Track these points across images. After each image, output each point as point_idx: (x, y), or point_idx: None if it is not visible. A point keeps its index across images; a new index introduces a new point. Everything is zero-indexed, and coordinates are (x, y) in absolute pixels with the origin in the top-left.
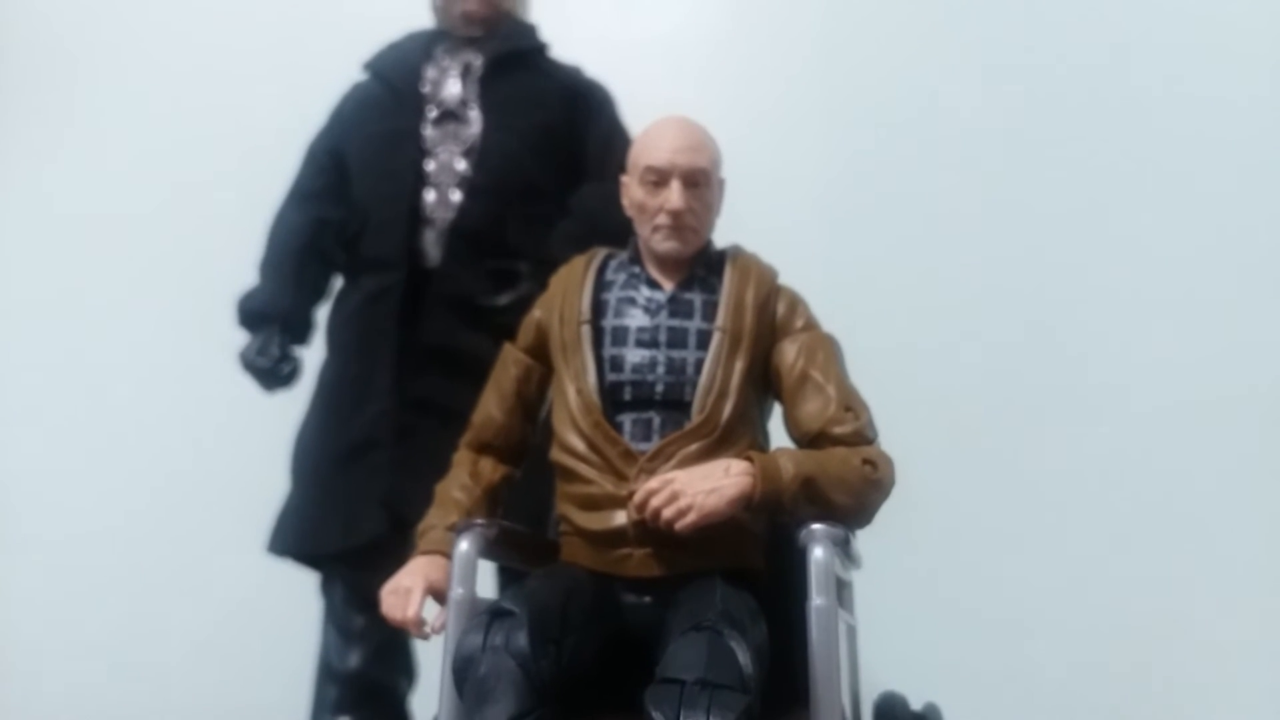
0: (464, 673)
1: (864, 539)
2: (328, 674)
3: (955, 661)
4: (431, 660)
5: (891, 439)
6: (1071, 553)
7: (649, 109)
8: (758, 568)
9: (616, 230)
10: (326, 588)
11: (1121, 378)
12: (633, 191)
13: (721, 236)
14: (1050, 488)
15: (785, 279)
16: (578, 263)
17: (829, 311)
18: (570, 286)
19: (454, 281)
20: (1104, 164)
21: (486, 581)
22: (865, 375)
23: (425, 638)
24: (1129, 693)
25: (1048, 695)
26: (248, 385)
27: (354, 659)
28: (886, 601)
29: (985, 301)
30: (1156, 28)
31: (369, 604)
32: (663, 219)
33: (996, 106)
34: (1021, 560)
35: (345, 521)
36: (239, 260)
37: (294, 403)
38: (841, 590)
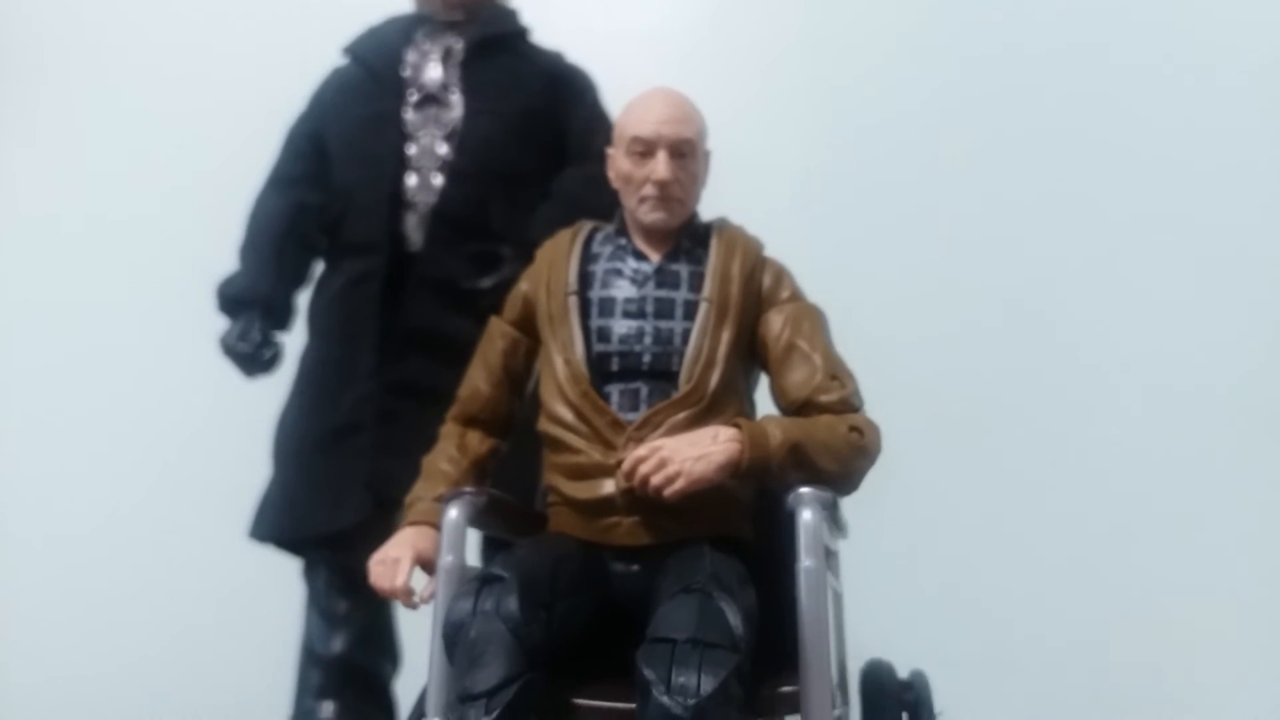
0: (454, 637)
1: (852, 513)
2: (311, 659)
3: (941, 632)
4: (415, 644)
5: (883, 415)
6: (1057, 528)
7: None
8: (746, 536)
9: (597, 213)
10: (309, 573)
11: (1109, 360)
12: (619, 163)
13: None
14: (1036, 466)
15: None
16: (564, 235)
17: (811, 298)
18: (557, 258)
19: (436, 265)
20: (1090, 151)
21: (471, 555)
22: (851, 359)
23: (414, 607)
24: (1114, 661)
25: (1033, 668)
26: (229, 371)
27: (338, 643)
28: (873, 573)
29: (970, 287)
30: (1142, 16)
31: (353, 588)
32: (649, 189)
33: (980, 97)
34: (1007, 535)
35: (329, 505)
36: (221, 249)
37: (275, 388)
38: (829, 558)
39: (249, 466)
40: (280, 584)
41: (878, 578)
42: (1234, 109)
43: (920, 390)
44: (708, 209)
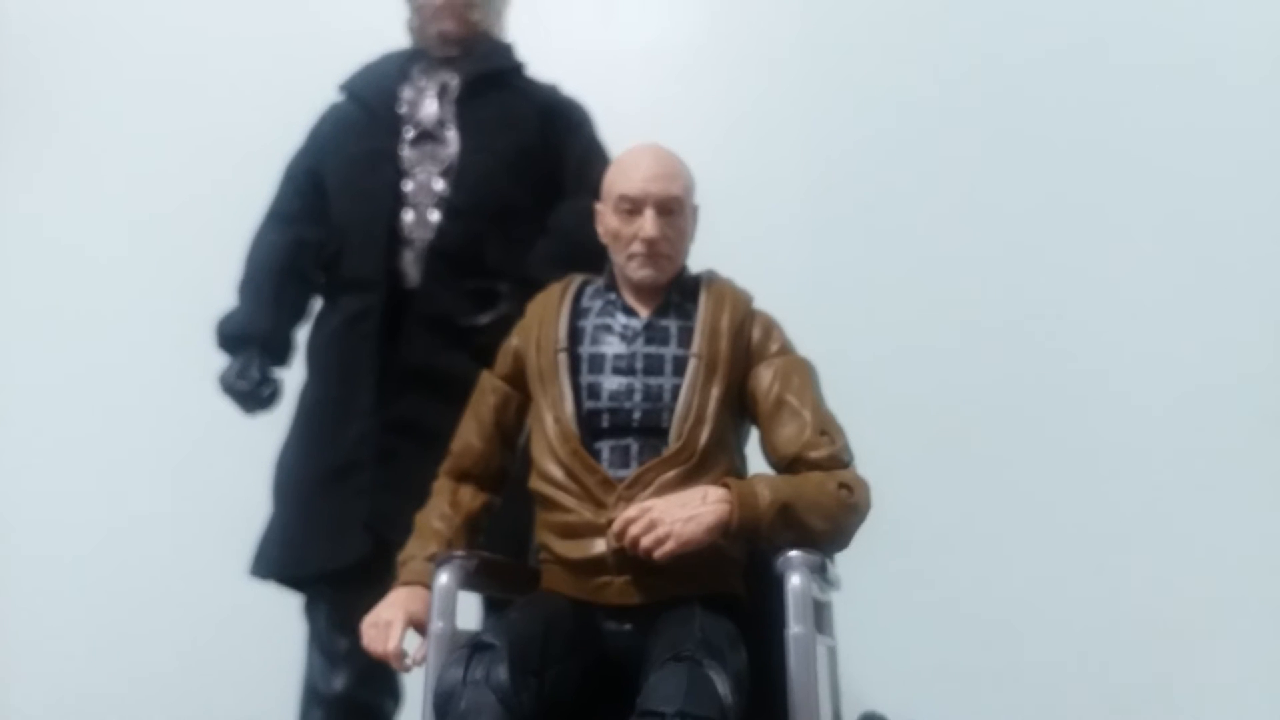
0: (445, 707)
1: (849, 552)
2: (313, 697)
3: (942, 676)
4: (417, 682)
5: (878, 446)
6: (1059, 567)
7: (629, 120)
8: (738, 593)
9: (596, 248)
10: (310, 610)
11: (1107, 384)
12: (607, 220)
13: (702, 246)
14: (1038, 501)
15: (765, 287)
16: (554, 290)
17: (811, 319)
18: (546, 314)
19: (433, 302)
20: (1086, 165)
21: (471, 610)
22: (850, 381)
23: (406, 670)
24: (1117, 708)
25: (1034, 712)
26: (228, 408)
27: (339, 681)
28: (871, 616)
29: (969, 305)
30: (1140, 24)
31: (353, 626)
32: (637, 247)
33: (976, 111)
34: (1009, 574)
35: (328, 543)
36: (220, 283)
37: (275, 425)
38: (821, 611)
39: (249, 503)
40: (283, 620)
41: (875, 621)
42: (1233, 112)
43: (923, 413)
44: (708, 227)
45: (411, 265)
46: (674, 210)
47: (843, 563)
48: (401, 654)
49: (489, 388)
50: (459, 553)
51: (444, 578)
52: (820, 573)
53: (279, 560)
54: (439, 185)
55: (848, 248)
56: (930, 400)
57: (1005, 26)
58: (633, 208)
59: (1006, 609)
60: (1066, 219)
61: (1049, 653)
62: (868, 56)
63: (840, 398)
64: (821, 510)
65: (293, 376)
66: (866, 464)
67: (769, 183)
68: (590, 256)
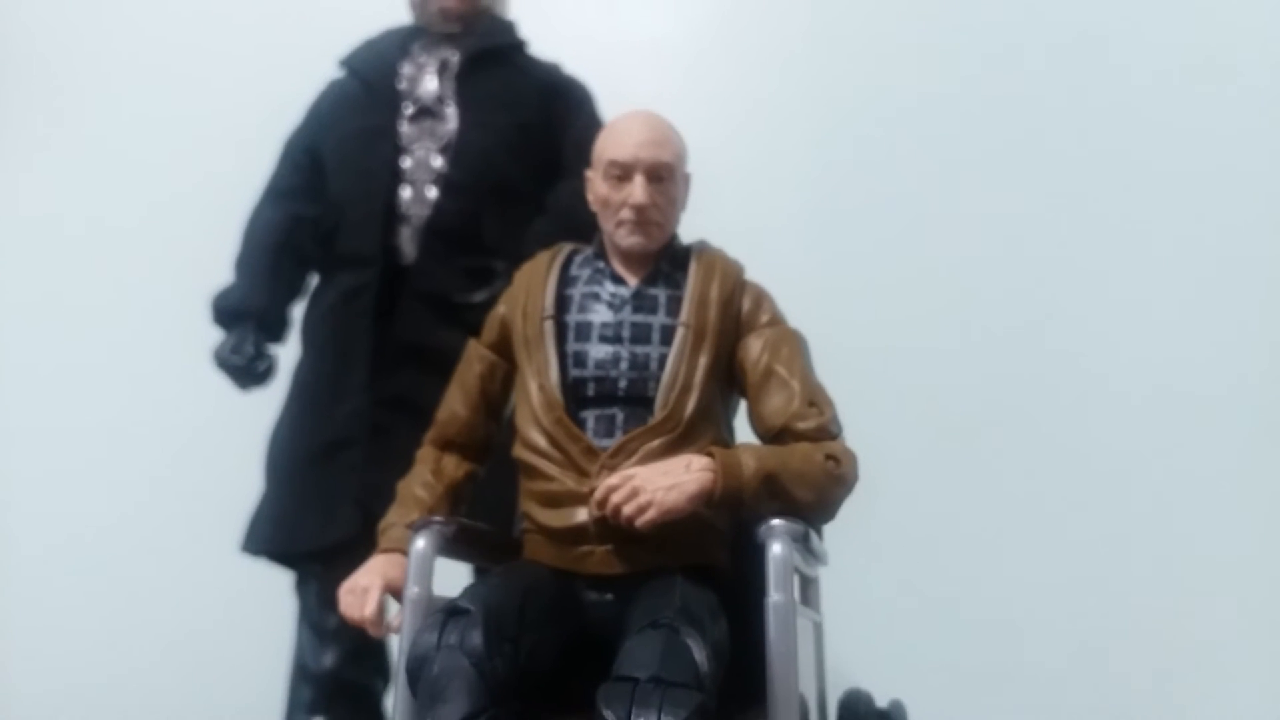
0: (418, 672)
1: (839, 535)
2: (302, 674)
3: (928, 658)
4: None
5: (875, 434)
6: (1049, 550)
7: (632, 108)
8: (721, 564)
9: (592, 229)
10: (301, 587)
11: (1108, 374)
12: (596, 186)
13: (704, 235)
14: (1029, 485)
15: (769, 278)
16: (542, 258)
17: (814, 309)
18: (534, 282)
19: (430, 279)
20: (1092, 160)
21: (458, 579)
22: (849, 371)
23: (383, 636)
24: (1105, 690)
25: (1020, 693)
26: (223, 383)
27: (329, 659)
28: (858, 598)
29: (971, 298)
30: (1145, 21)
31: None
32: (626, 213)
33: (982, 106)
34: (997, 557)
35: (320, 520)
36: (216, 260)
37: (269, 401)
38: (807, 587)
39: (242, 478)
40: (272, 596)
41: (860, 603)
42: (1235, 113)
43: (922, 402)
44: (711, 217)
45: (408, 242)
46: (664, 177)
47: (836, 543)
48: (379, 620)
49: (475, 356)
50: (437, 519)
51: (420, 543)
52: (803, 542)
53: (270, 537)
54: (437, 162)
55: (853, 241)
56: (926, 394)
57: (1014, 24)
58: (622, 173)
59: (988, 604)
60: (1073, 217)
61: (1044, 648)
62: (875, 52)
63: (845, 389)
64: (807, 481)
65: (287, 353)
66: (866, 452)
67: (774, 175)
68: (588, 236)
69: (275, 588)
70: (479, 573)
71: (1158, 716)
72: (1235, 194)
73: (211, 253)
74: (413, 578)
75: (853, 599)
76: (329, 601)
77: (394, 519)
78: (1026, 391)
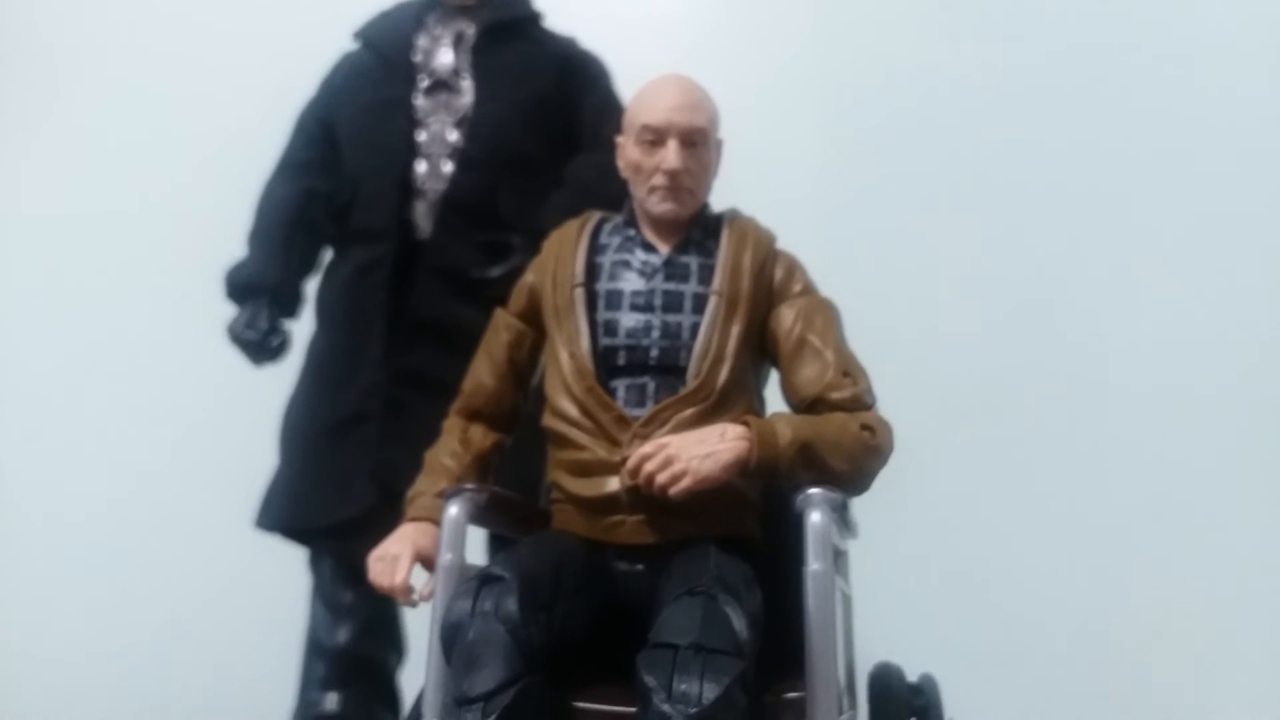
0: (452, 638)
1: (863, 512)
2: (316, 650)
3: (952, 635)
4: (421, 635)
5: (891, 416)
6: (1069, 529)
7: (654, 77)
8: (754, 536)
9: (610, 202)
10: (315, 563)
11: (1121, 354)
12: (628, 151)
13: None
14: (1049, 465)
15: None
16: (571, 225)
17: (825, 290)
18: (563, 250)
19: (445, 253)
20: (1102, 143)
21: (477, 551)
22: (863, 353)
23: (413, 605)
24: (1126, 666)
25: (1045, 670)
26: (236, 359)
27: (343, 634)
28: (884, 574)
29: (983, 279)
30: (1153, 9)
31: (358, 579)
32: (659, 179)
33: (994, 86)
34: (1019, 536)
35: (335, 495)
36: (229, 234)
37: (283, 377)
38: (837, 559)
39: (256, 454)
40: (286, 573)
41: (888, 578)
42: (1244, 107)
43: (932, 386)
44: (721, 198)
45: (423, 216)
46: (698, 142)
47: (853, 550)
48: (408, 589)
49: (503, 325)
50: (469, 485)
51: (453, 510)
52: (840, 512)
53: (285, 512)
54: (453, 136)
55: (863, 224)
56: (941, 376)
57: (1025, 6)
58: (655, 138)
59: (1010, 583)
60: (1085, 204)
61: (1058, 641)
62: (889, 30)
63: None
64: (843, 451)
65: (301, 328)
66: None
67: (785, 154)
68: (605, 210)
69: (290, 563)
70: (495, 541)
71: (1180, 706)
72: (1245, 184)
73: (223, 226)
74: (446, 544)
75: (877, 572)
76: (343, 577)
77: (422, 488)
78: (1040, 374)
